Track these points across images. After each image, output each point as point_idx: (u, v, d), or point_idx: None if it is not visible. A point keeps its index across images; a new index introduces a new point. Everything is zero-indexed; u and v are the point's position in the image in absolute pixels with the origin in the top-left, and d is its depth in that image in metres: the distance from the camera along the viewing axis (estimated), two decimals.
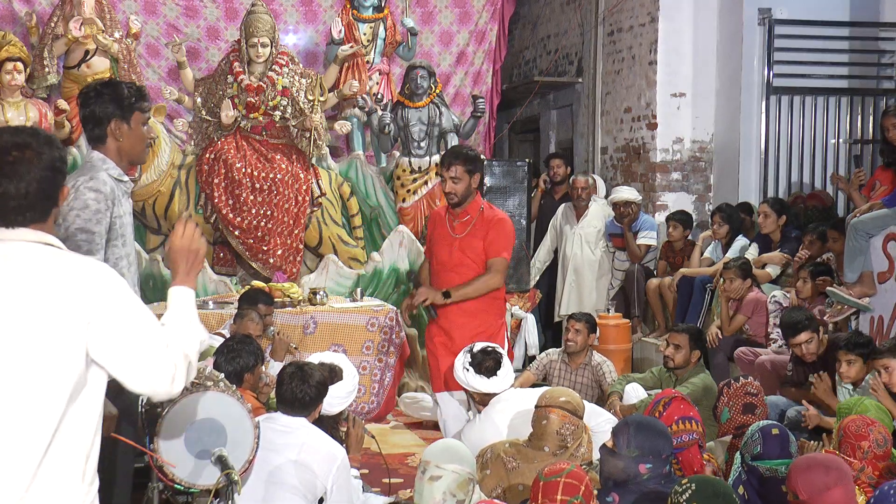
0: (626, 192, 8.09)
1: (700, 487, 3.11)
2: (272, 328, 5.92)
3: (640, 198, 8.17)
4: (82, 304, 2.38)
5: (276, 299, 7.04)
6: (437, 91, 8.12)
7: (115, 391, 3.42)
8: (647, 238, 8.03)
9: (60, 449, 2.37)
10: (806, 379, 5.49)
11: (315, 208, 7.89)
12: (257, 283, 7.15)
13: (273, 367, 5.37)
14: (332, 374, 4.39)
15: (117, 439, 3.41)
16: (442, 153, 5.54)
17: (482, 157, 8.44)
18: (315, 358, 4.62)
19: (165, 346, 2.52)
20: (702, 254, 7.58)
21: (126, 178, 3.64)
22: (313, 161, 7.94)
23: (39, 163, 2.47)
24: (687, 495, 3.09)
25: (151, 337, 2.51)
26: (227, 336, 5.77)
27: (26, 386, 2.33)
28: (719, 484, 3.23)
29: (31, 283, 2.36)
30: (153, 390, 2.49)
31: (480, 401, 4.88)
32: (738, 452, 3.85)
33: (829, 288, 5.94)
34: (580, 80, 9.78)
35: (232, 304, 6.70)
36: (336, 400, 4.33)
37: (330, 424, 4.32)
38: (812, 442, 4.51)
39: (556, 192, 8.92)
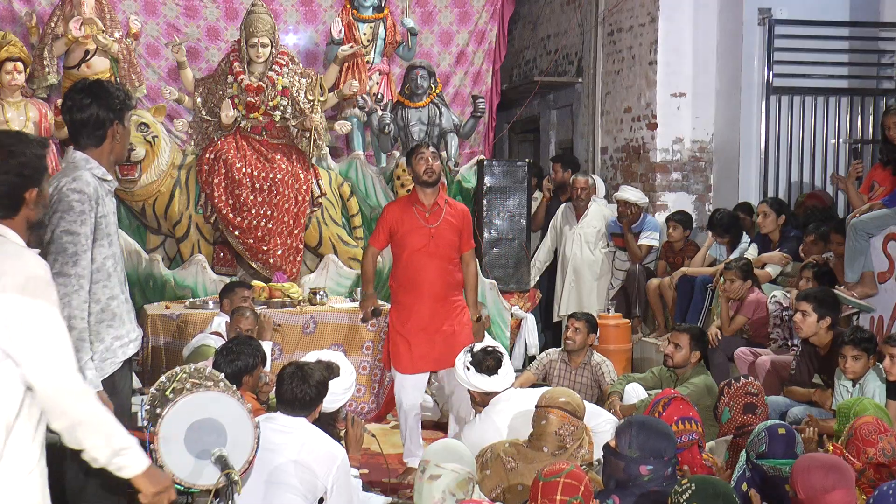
0: (629, 193, 8.08)
1: (700, 487, 3.11)
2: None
3: (645, 200, 8.14)
4: (4, 289, 2.50)
5: (275, 299, 7.07)
6: (437, 91, 8.12)
7: (109, 391, 3.44)
8: (648, 239, 8.03)
9: None
10: (810, 378, 5.49)
11: (315, 208, 7.89)
12: (257, 283, 7.16)
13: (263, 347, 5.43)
14: (329, 370, 4.41)
15: None
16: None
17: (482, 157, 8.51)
18: (312, 356, 4.63)
19: (72, 350, 2.64)
20: (707, 253, 7.57)
21: (110, 178, 3.64)
22: (313, 161, 7.94)
23: (4, 167, 2.64)
24: (687, 495, 3.09)
25: (62, 333, 2.61)
26: (221, 333, 5.82)
27: None
28: (719, 484, 3.23)
29: None
30: (40, 381, 2.56)
31: (481, 401, 4.88)
32: (745, 450, 3.86)
33: (832, 289, 5.93)
34: (580, 80, 9.78)
35: None
36: (334, 396, 4.33)
37: (327, 421, 4.32)
38: (809, 429, 4.53)
39: (562, 195, 8.85)
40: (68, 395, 2.61)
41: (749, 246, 7.24)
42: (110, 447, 2.66)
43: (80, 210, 3.44)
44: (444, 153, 7.99)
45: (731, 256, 7.15)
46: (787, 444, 3.69)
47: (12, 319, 2.53)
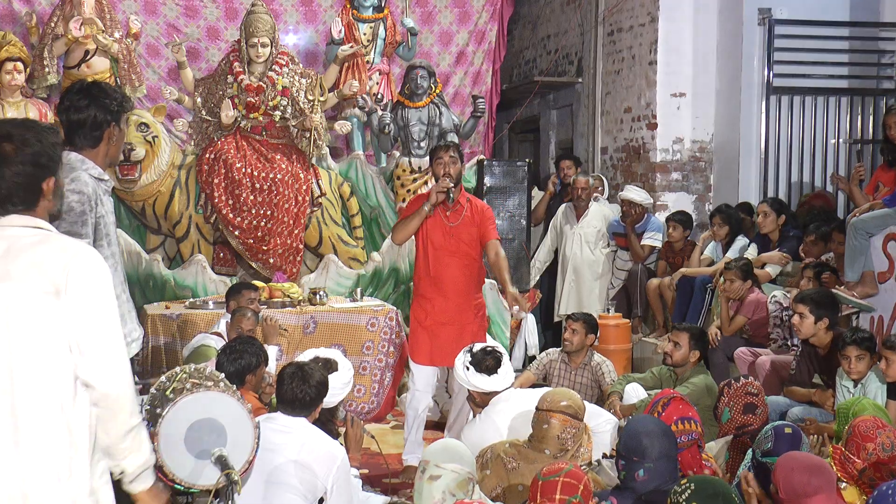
0: (633, 193, 8.09)
1: (699, 487, 3.11)
2: (260, 314, 6.04)
3: (650, 201, 8.14)
4: (63, 278, 2.52)
5: (275, 299, 7.07)
6: (437, 91, 8.12)
7: None
8: (651, 239, 8.03)
9: (71, 423, 2.52)
10: (810, 379, 5.48)
11: (315, 208, 7.89)
12: (257, 283, 7.15)
13: (268, 351, 5.43)
14: (328, 365, 4.42)
15: None
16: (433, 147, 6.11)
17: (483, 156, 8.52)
18: (309, 354, 4.64)
19: (125, 345, 2.64)
20: (701, 254, 7.58)
21: (106, 177, 3.63)
22: (313, 161, 7.94)
23: (18, 157, 2.60)
24: (686, 495, 3.09)
25: (118, 327, 2.61)
26: (221, 334, 5.83)
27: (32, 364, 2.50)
28: (719, 484, 3.23)
29: (22, 261, 2.51)
30: (99, 378, 2.55)
31: (481, 401, 4.88)
32: (751, 449, 3.87)
33: (833, 290, 5.93)
34: (580, 80, 9.78)
35: None
36: (333, 390, 4.34)
37: (326, 417, 4.33)
38: (813, 437, 4.53)
39: (565, 195, 8.86)
40: (129, 401, 2.59)
41: (749, 246, 7.24)
42: (146, 462, 2.68)
43: (80, 211, 3.43)
44: None
45: (727, 255, 7.16)
46: (793, 444, 3.69)
47: (84, 320, 2.52)
